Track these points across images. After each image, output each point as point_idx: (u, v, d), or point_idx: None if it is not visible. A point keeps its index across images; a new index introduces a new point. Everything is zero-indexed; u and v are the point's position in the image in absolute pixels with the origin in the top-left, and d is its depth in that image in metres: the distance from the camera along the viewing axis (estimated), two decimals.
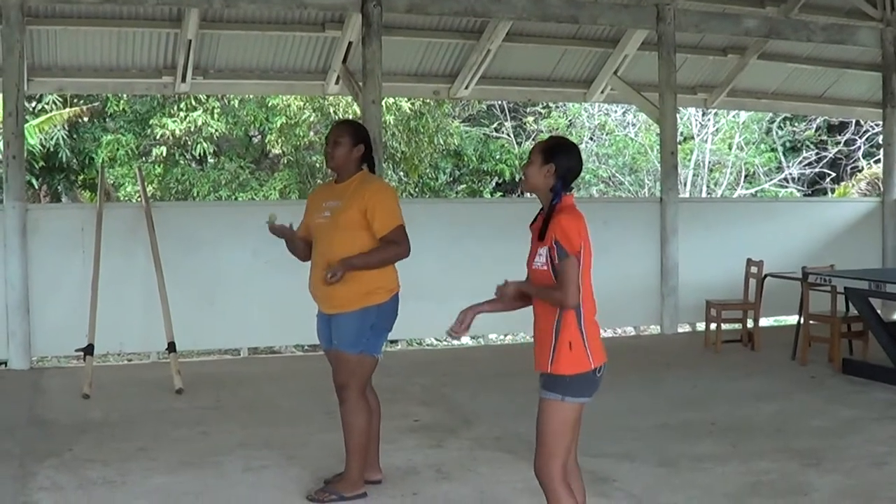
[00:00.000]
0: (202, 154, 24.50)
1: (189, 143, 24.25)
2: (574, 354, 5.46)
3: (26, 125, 20.64)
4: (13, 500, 7.28)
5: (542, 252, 5.50)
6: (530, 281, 5.59)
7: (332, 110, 23.23)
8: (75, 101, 24.61)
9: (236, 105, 24.07)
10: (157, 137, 24.16)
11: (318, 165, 24.39)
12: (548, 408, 5.53)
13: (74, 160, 25.26)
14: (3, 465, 8.18)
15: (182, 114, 23.78)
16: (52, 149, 24.29)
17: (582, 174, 26.88)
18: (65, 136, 24.26)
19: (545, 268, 5.48)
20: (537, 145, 5.73)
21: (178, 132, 23.74)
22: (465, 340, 19.84)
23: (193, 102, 23.82)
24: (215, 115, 23.97)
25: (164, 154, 24.35)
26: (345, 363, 7.15)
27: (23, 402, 10.70)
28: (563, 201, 5.57)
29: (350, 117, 20.88)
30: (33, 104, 23.84)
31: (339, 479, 7.30)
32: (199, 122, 23.62)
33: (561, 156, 5.61)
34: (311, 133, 24.18)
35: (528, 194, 6.18)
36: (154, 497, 7.37)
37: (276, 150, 24.65)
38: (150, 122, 24.27)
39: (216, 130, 23.95)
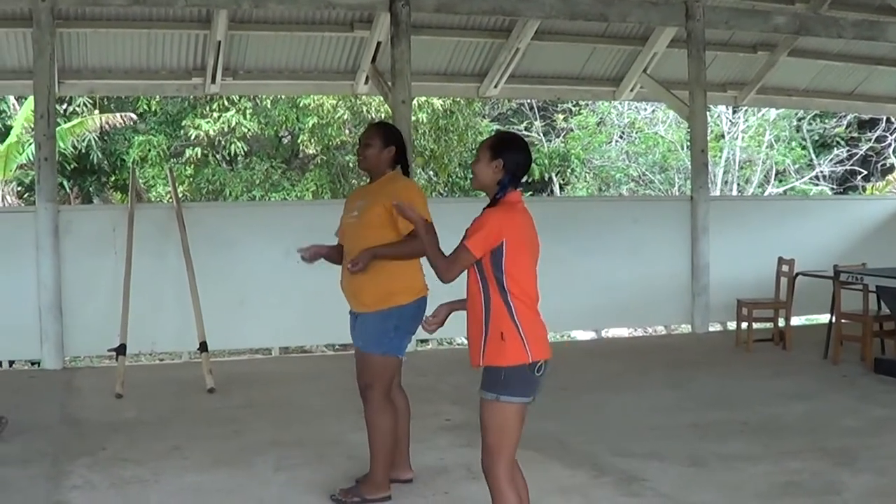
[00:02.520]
0: (233, 154, 24.56)
1: (223, 143, 24.31)
2: (508, 345, 5.43)
3: (59, 128, 20.80)
4: (47, 498, 7.33)
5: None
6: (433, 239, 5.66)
7: (364, 110, 23.26)
8: (105, 103, 24.72)
9: (268, 105, 24.12)
10: (191, 138, 24.22)
11: (350, 165, 24.43)
12: (486, 408, 5.55)
13: (105, 162, 25.38)
14: (36, 464, 8.23)
15: (215, 114, 23.84)
16: (83, 151, 24.39)
17: (612, 173, 26.77)
18: (96, 139, 24.35)
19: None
20: (485, 141, 5.71)
21: (211, 133, 23.81)
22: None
23: (226, 103, 23.88)
24: (247, 116, 24.03)
25: (199, 155, 24.41)
26: (369, 363, 7.16)
27: (56, 401, 10.76)
28: (506, 196, 5.53)
29: (382, 117, 20.92)
30: (64, 107, 23.97)
31: (363, 481, 7.31)
32: (233, 123, 23.68)
33: (509, 151, 5.57)
34: (345, 132, 24.20)
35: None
36: (187, 495, 7.41)
37: (310, 150, 24.68)
38: (183, 123, 24.34)
39: (249, 130, 24.01)
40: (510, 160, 5.53)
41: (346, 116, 23.72)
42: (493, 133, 5.72)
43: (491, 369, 5.46)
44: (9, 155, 22.87)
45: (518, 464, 5.76)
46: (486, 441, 5.54)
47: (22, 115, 22.47)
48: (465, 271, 5.55)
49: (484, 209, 5.53)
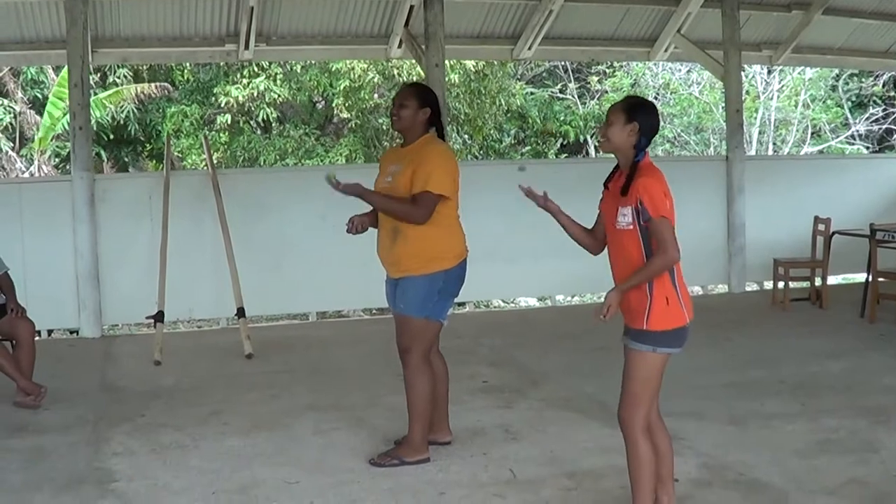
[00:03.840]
0: (266, 120, 24.58)
1: (252, 109, 24.32)
2: (671, 310, 5.54)
3: (95, 98, 20.85)
4: (87, 465, 7.39)
5: (626, 212, 5.53)
6: (634, 270, 5.59)
7: (395, 73, 23.23)
8: (143, 74, 24.76)
9: (299, 70, 24.10)
10: (221, 105, 24.24)
11: (384, 129, 24.39)
12: (637, 358, 5.57)
13: (141, 132, 25.42)
14: (77, 431, 8.31)
15: (244, 80, 23.85)
16: (122, 122, 24.46)
17: None
18: (134, 110, 24.40)
19: (631, 227, 5.52)
20: (616, 105, 5.75)
21: (241, 99, 23.82)
22: (532, 302, 19.88)
23: (256, 69, 23.87)
24: (278, 81, 24.03)
25: (229, 122, 24.44)
26: (409, 327, 7.16)
27: (95, 369, 10.86)
28: (646, 159, 5.60)
29: (414, 79, 20.88)
30: (104, 77, 24.03)
31: (402, 444, 7.35)
32: (262, 88, 23.68)
33: (643, 114, 5.65)
34: (376, 96, 24.18)
35: (596, 154, 6.20)
36: (227, 459, 7.45)
37: (344, 115, 24.67)
38: (214, 90, 24.36)
39: (279, 96, 24.01)
40: (645, 123, 5.62)
41: (377, 80, 23.67)
42: (626, 97, 5.73)
43: (652, 331, 5.52)
44: (45, 126, 22.94)
45: (661, 417, 5.85)
46: (628, 390, 5.61)
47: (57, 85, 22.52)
48: (616, 239, 5.69)
49: (628, 173, 5.60)
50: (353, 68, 23.31)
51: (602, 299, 5.60)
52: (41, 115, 23.41)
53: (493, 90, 24.90)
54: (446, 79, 18.86)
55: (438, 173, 7.02)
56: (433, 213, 6.98)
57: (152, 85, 24.16)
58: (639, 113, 5.63)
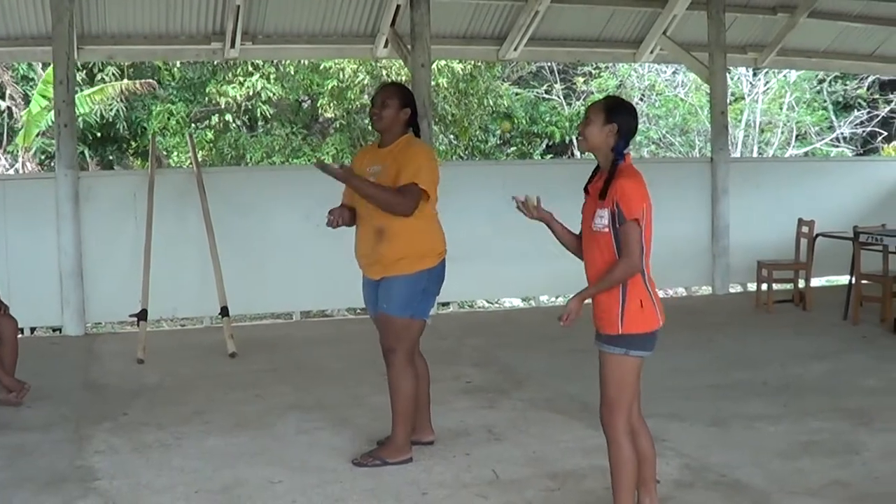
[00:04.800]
0: (252, 120, 24.57)
1: (249, 107, 24.32)
2: (645, 312, 5.54)
3: (80, 95, 20.81)
4: (69, 463, 7.38)
5: (602, 214, 5.53)
6: (595, 286, 5.62)
7: (384, 73, 23.23)
8: (131, 71, 24.71)
9: (291, 71, 24.08)
10: (216, 104, 24.21)
11: (369, 128, 24.39)
12: (611, 362, 5.57)
13: (126, 130, 25.36)
14: (59, 429, 8.30)
15: (240, 79, 23.83)
16: (109, 119, 24.40)
17: None
18: (123, 108, 24.34)
19: (607, 230, 5.52)
20: (596, 105, 5.73)
21: (238, 98, 23.81)
22: (517, 303, 19.86)
23: (250, 68, 23.87)
24: (272, 80, 24.03)
25: (227, 120, 24.41)
26: (393, 326, 7.16)
27: (78, 367, 10.84)
28: (626, 160, 5.60)
29: (403, 80, 20.88)
30: (90, 75, 23.97)
31: (384, 444, 7.35)
32: (259, 87, 23.69)
33: (623, 115, 5.64)
34: (365, 96, 24.19)
35: (580, 154, 6.20)
36: (210, 458, 7.45)
37: (329, 114, 24.67)
38: (206, 90, 24.32)
39: (274, 94, 24.03)
40: (625, 124, 5.61)
41: (366, 81, 23.67)
42: (607, 97, 5.73)
43: (626, 334, 5.51)
44: (30, 122, 22.88)
45: (643, 419, 5.86)
46: (606, 395, 5.63)
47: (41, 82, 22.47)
48: (591, 241, 5.68)
49: (607, 175, 5.59)
50: (343, 68, 23.30)
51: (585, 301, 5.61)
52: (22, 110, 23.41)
53: (481, 91, 24.90)
54: (434, 82, 18.86)
55: (427, 170, 7.05)
56: (417, 211, 6.98)
57: (138, 82, 24.11)
58: (619, 114, 5.62)
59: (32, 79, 24.48)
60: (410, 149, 7.15)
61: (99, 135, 24.93)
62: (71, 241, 12.38)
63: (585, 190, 5.79)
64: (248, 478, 6.97)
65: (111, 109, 23.99)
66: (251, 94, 23.81)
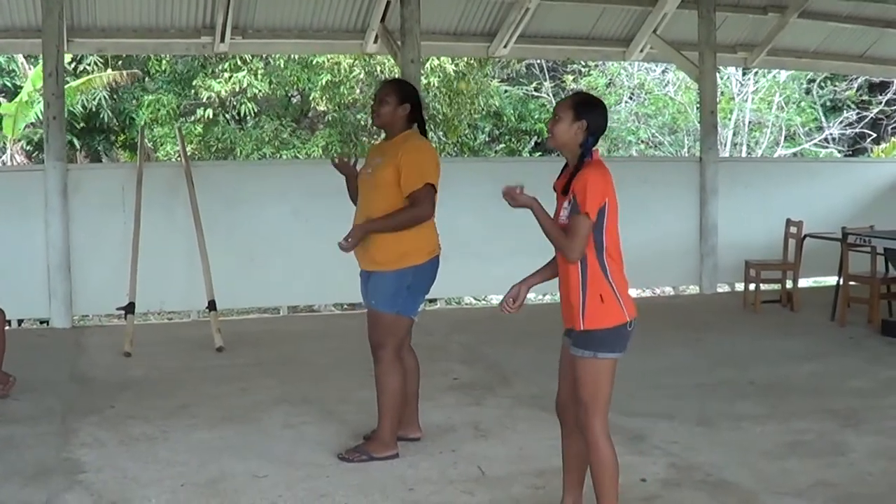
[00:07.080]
0: (242, 114, 24.54)
1: (234, 103, 24.29)
2: (606, 307, 5.47)
3: (67, 86, 20.77)
4: (56, 455, 7.37)
5: (566, 206, 5.52)
6: (549, 217, 5.59)
7: (378, 69, 23.22)
8: (116, 62, 24.67)
9: (281, 65, 24.04)
10: (203, 99, 24.18)
11: (362, 123, 24.39)
12: (582, 366, 5.54)
13: (115, 121, 25.33)
14: (45, 421, 8.28)
15: (226, 74, 23.80)
16: (93, 110, 24.37)
17: (622, 134, 26.68)
18: (106, 98, 24.32)
19: (568, 221, 5.49)
20: (565, 101, 5.70)
21: (223, 93, 23.77)
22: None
23: (238, 63, 23.83)
24: (258, 76, 23.98)
25: (210, 115, 24.36)
26: (380, 322, 7.18)
27: (65, 360, 10.81)
28: (592, 157, 5.56)
29: (397, 76, 20.90)
30: (73, 65, 23.90)
31: (371, 439, 7.35)
32: (244, 84, 23.64)
33: (592, 113, 5.58)
34: (357, 91, 24.14)
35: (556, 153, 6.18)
36: (196, 452, 7.44)
37: (321, 108, 24.64)
38: (194, 83, 24.29)
39: (259, 91, 23.98)
40: (593, 121, 5.56)
41: (360, 76, 23.64)
42: (575, 93, 5.72)
43: (589, 330, 5.47)
44: (18, 114, 22.87)
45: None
46: (580, 399, 5.59)
47: (33, 75, 22.44)
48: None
49: (573, 171, 5.57)
50: (338, 63, 23.26)
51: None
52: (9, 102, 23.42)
53: (473, 90, 24.90)
54: (425, 81, 18.84)
55: (427, 164, 7.13)
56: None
57: (125, 73, 24.08)
58: (588, 111, 5.57)
59: (14, 70, 24.45)
60: (409, 144, 7.17)
61: (84, 125, 24.89)
62: (59, 234, 12.36)
63: (554, 188, 5.76)
64: (235, 471, 6.96)
65: (94, 98, 23.95)
66: (237, 90, 23.76)
